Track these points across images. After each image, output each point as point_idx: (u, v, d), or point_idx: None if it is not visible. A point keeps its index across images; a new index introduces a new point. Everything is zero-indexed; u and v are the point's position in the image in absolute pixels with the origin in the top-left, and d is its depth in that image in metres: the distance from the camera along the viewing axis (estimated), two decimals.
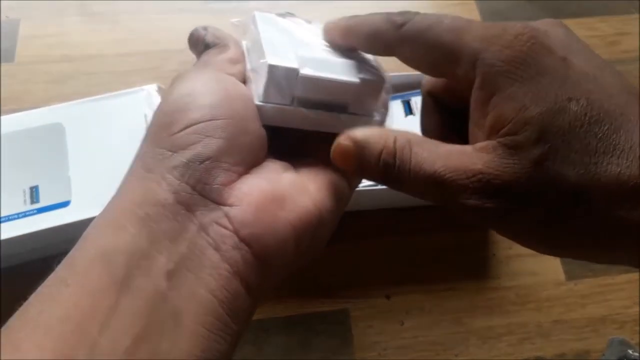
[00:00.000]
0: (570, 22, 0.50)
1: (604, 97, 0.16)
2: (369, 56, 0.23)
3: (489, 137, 0.17)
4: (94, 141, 0.34)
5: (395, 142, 0.18)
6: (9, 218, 0.32)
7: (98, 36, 0.45)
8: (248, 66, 0.22)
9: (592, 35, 0.47)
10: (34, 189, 0.33)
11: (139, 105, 0.35)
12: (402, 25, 0.19)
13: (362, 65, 0.21)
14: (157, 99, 0.35)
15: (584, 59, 0.17)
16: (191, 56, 0.50)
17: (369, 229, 0.37)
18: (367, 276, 0.36)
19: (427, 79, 0.22)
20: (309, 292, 0.35)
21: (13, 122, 0.35)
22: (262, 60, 0.20)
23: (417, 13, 0.19)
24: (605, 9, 0.48)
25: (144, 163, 0.19)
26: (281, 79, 0.19)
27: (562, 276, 0.36)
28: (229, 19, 0.51)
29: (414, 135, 0.18)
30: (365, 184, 0.37)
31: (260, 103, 0.20)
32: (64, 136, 0.34)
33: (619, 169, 0.15)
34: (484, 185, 0.16)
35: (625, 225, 0.15)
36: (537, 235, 0.17)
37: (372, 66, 0.22)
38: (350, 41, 0.22)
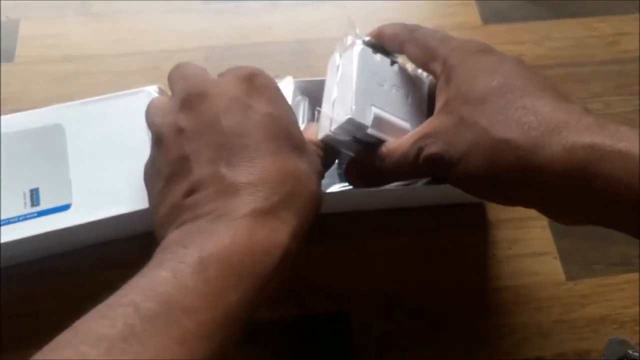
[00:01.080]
0: (569, 22, 0.51)
1: (520, 80, 0.24)
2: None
3: (436, 113, 0.26)
4: (94, 142, 0.34)
5: (384, 149, 0.27)
6: (9, 221, 0.32)
7: (98, 36, 0.45)
8: (328, 81, 0.30)
9: (591, 36, 0.47)
10: (34, 192, 0.33)
11: (140, 105, 0.35)
12: (413, 30, 0.29)
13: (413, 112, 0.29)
14: None
15: (518, 64, 0.25)
16: (190, 56, 0.50)
17: (369, 229, 0.37)
18: (366, 276, 0.36)
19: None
20: (309, 292, 0.35)
21: (13, 122, 0.35)
22: (346, 106, 0.27)
23: (420, 25, 0.29)
24: (604, 9, 0.48)
25: None
26: (353, 125, 0.27)
27: (562, 276, 0.37)
28: (228, 19, 0.51)
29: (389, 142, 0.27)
30: None
31: (330, 132, 0.27)
32: (64, 137, 0.34)
33: (519, 116, 0.22)
34: (430, 139, 0.24)
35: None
36: (462, 161, 0.24)
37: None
38: (381, 37, 0.30)
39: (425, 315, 0.35)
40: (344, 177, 0.29)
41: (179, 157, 0.22)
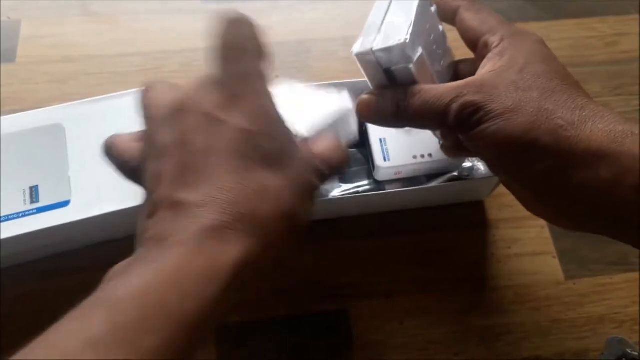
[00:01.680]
0: (569, 23, 0.51)
1: (562, 75, 0.25)
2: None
3: (484, 73, 0.25)
4: (93, 142, 0.34)
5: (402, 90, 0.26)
6: (8, 218, 0.32)
7: (99, 37, 0.45)
8: (378, 5, 0.28)
9: (591, 36, 0.47)
10: (33, 189, 0.33)
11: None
12: (474, 3, 0.28)
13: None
14: None
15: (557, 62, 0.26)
16: (190, 57, 0.50)
17: (369, 230, 0.38)
18: (367, 275, 0.36)
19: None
20: (310, 292, 0.35)
21: (13, 122, 0.35)
22: (401, 32, 0.26)
23: None
24: (604, 10, 0.48)
25: None
26: (401, 53, 0.25)
27: (560, 276, 0.37)
28: None
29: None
30: (364, 188, 0.37)
31: (371, 50, 0.26)
32: (64, 136, 0.35)
33: (564, 99, 0.23)
34: (474, 88, 0.24)
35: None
36: (501, 120, 0.23)
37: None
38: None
39: (425, 314, 0.35)
40: (357, 108, 0.28)
41: (153, 175, 0.22)
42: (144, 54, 0.44)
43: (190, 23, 0.46)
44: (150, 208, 0.21)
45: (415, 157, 0.35)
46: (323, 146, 0.26)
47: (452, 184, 0.35)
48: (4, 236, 0.31)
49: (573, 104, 0.23)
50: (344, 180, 0.38)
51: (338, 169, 0.26)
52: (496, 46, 0.26)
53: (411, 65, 0.25)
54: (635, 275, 0.37)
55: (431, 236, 0.37)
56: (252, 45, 0.24)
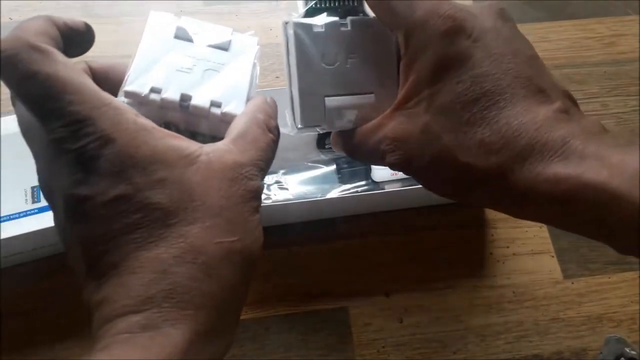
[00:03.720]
0: (566, 24, 0.51)
1: (490, 79, 0.21)
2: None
3: (398, 106, 0.23)
4: None
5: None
6: (10, 217, 0.32)
7: (100, 38, 0.45)
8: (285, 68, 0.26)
9: (588, 37, 0.47)
10: (35, 189, 0.33)
11: None
12: None
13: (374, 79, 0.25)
14: None
15: (494, 43, 0.21)
16: None
17: (369, 229, 0.38)
18: (366, 274, 0.36)
19: None
20: (309, 290, 0.36)
21: (14, 122, 0.35)
22: (296, 109, 0.25)
23: None
24: (601, 11, 0.48)
25: None
26: (310, 130, 0.25)
27: (559, 275, 0.37)
28: (230, 21, 0.51)
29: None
30: (363, 188, 0.37)
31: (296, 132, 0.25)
32: None
33: (482, 137, 0.20)
34: (392, 146, 0.23)
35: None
36: (426, 173, 0.23)
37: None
38: None
39: (424, 312, 0.35)
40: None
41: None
42: None
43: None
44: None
45: None
46: (256, 105, 0.23)
47: None
48: (4, 236, 0.31)
49: (490, 140, 0.20)
50: (343, 180, 0.39)
51: (274, 116, 0.23)
52: (403, 52, 0.23)
53: (325, 127, 0.25)
54: (633, 274, 0.37)
55: (430, 235, 0.38)
56: (48, 82, 0.19)
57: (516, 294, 0.36)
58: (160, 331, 0.17)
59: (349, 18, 0.25)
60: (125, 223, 0.18)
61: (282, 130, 0.25)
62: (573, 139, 0.20)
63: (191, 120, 0.23)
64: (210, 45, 0.25)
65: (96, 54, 0.46)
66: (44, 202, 0.33)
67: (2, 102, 0.42)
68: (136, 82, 0.23)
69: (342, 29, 0.25)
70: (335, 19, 0.25)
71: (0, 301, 0.34)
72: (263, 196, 0.38)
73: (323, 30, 0.24)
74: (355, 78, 0.24)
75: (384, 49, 0.25)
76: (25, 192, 0.33)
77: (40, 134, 0.19)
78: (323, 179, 0.39)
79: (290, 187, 0.38)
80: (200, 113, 0.23)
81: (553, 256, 0.37)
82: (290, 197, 0.37)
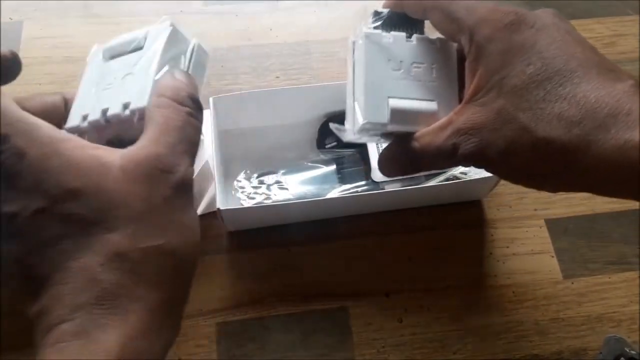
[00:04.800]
0: None
1: (560, 60, 0.21)
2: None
3: (469, 99, 0.23)
4: None
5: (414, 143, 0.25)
6: None
7: (100, 38, 0.45)
8: (349, 73, 0.27)
9: (588, 37, 0.46)
10: None
11: None
12: None
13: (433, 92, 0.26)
14: None
15: (557, 34, 0.22)
16: None
17: (369, 228, 0.38)
18: (366, 274, 0.36)
19: None
20: (309, 290, 0.36)
21: None
22: (362, 105, 0.25)
23: None
24: (601, 11, 0.48)
25: None
26: (372, 126, 0.25)
27: (559, 275, 0.37)
28: (229, 21, 0.51)
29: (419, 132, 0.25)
30: (363, 188, 0.37)
31: (354, 137, 0.26)
32: None
33: (560, 111, 0.21)
34: (467, 135, 0.23)
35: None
36: (502, 158, 0.22)
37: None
38: (401, 6, 0.27)
39: (424, 312, 0.35)
40: (378, 168, 0.27)
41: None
42: None
43: (191, 24, 0.46)
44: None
45: None
46: (161, 84, 0.22)
47: (450, 184, 0.36)
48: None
49: (570, 113, 0.21)
50: (343, 180, 0.39)
51: (186, 88, 0.22)
52: (468, 51, 0.23)
53: (389, 127, 0.25)
54: (633, 274, 0.37)
55: (430, 235, 0.38)
56: None
57: (516, 293, 0.36)
58: (91, 337, 0.17)
59: (414, 35, 0.27)
60: (49, 236, 0.18)
61: (343, 135, 0.26)
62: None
63: (122, 131, 0.22)
64: (127, 52, 0.24)
65: None
66: None
67: None
68: (72, 117, 0.23)
69: (408, 42, 0.26)
70: (402, 33, 0.27)
71: (0, 301, 0.34)
72: (263, 196, 0.38)
73: (391, 40, 0.26)
74: (419, 85, 0.26)
75: (446, 63, 0.27)
76: None
77: None
78: (323, 179, 0.39)
79: (290, 187, 0.38)
80: (120, 120, 0.22)
81: (553, 256, 0.37)
82: (290, 197, 0.38)
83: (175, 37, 0.25)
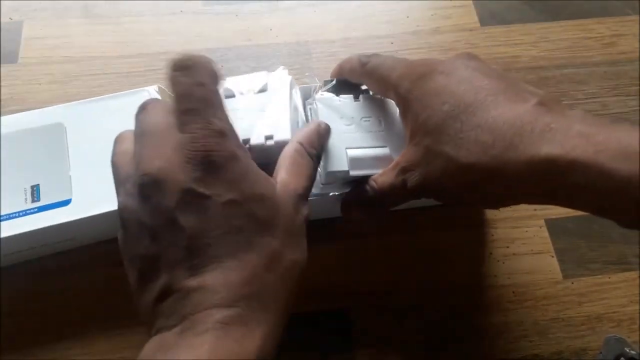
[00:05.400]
0: (566, 24, 0.51)
1: (470, 94, 0.24)
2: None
3: (407, 143, 0.27)
4: (94, 141, 0.35)
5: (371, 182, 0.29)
6: (9, 216, 0.32)
7: (100, 38, 0.45)
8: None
9: (588, 37, 0.47)
10: (34, 188, 0.33)
11: None
12: (365, 64, 0.30)
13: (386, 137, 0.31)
14: None
15: (466, 73, 0.26)
16: None
17: (369, 229, 0.38)
18: (366, 275, 0.36)
19: None
20: (309, 290, 0.36)
21: (14, 122, 0.35)
22: (325, 158, 0.29)
23: (375, 55, 0.30)
24: (601, 11, 0.48)
25: None
26: (335, 175, 0.29)
27: (559, 275, 0.37)
28: (229, 21, 0.52)
29: (375, 175, 0.29)
30: None
31: (321, 186, 0.31)
32: (64, 135, 0.35)
33: (476, 137, 0.23)
34: (409, 172, 0.26)
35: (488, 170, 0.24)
36: (439, 187, 0.26)
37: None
38: (340, 75, 0.33)
39: (423, 313, 0.35)
40: (341, 212, 0.31)
41: (146, 256, 0.21)
42: (146, 55, 0.44)
43: (191, 24, 0.47)
44: (157, 292, 0.21)
45: None
46: (302, 133, 0.27)
47: None
48: (4, 235, 0.31)
49: (484, 138, 0.23)
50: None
51: (323, 143, 0.28)
52: (398, 104, 0.28)
53: (351, 173, 0.29)
54: (633, 274, 0.37)
55: (430, 235, 0.38)
56: (210, 94, 0.23)
57: (516, 293, 0.36)
58: (248, 327, 0.20)
59: (361, 95, 0.32)
60: (232, 225, 0.21)
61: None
62: (556, 123, 0.22)
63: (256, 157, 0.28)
64: (255, 92, 0.32)
65: (96, 54, 0.47)
66: (43, 201, 0.33)
67: (3, 102, 0.42)
68: None
69: (356, 102, 0.32)
70: (350, 95, 0.32)
71: (0, 301, 0.34)
72: None
73: (340, 102, 0.31)
74: (371, 135, 0.30)
75: (391, 114, 0.31)
76: (25, 191, 0.33)
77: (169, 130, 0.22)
78: None
79: None
80: (262, 149, 0.29)
81: (553, 256, 0.37)
82: None
83: (291, 85, 0.33)
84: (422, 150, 0.26)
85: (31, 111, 0.36)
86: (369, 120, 0.31)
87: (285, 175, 0.25)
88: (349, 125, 0.30)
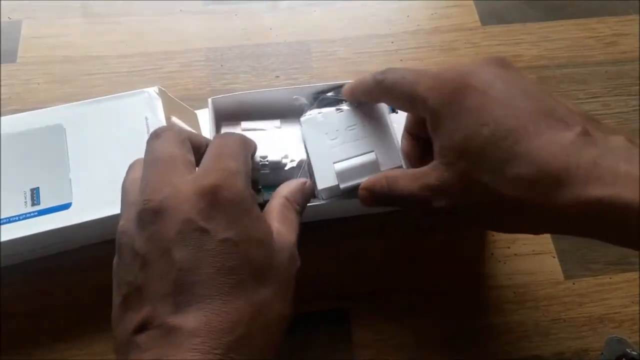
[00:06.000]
0: (567, 23, 0.51)
1: (511, 118, 0.23)
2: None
3: (436, 158, 0.25)
4: (94, 143, 0.34)
5: (386, 180, 0.27)
6: (9, 220, 0.32)
7: (100, 37, 0.45)
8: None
9: (590, 36, 0.47)
10: (34, 191, 0.33)
11: (140, 107, 0.35)
12: (381, 82, 0.28)
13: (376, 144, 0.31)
14: (157, 101, 0.35)
15: (503, 89, 0.24)
16: (191, 57, 0.51)
17: (369, 229, 0.38)
18: (366, 274, 0.36)
19: (405, 123, 0.31)
20: (309, 291, 0.35)
21: (13, 123, 0.35)
22: (316, 177, 0.31)
23: (390, 69, 0.28)
24: (603, 10, 0.48)
25: None
26: (328, 191, 0.31)
27: (560, 275, 0.37)
28: (229, 21, 0.51)
29: (395, 172, 0.28)
30: None
31: (322, 201, 0.32)
32: (64, 137, 0.35)
33: (519, 171, 0.22)
34: (437, 193, 0.25)
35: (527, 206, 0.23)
36: (471, 216, 0.25)
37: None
38: (355, 97, 0.31)
39: (424, 313, 0.35)
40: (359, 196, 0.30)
41: (133, 283, 0.21)
42: (145, 54, 0.44)
43: (191, 24, 0.46)
44: (137, 322, 0.20)
45: None
46: (288, 189, 0.27)
47: None
48: (4, 238, 0.31)
49: (527, 171, 0.22)
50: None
51: (306, 201, 0.28)
52: (427, 120, 0.25)
53: (342, 186, 0.30)
54: (634, 275, 0.37)
55: (430, 235, 0.38)
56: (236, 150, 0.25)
57: (517, 294, 0.36)
58: None
59: (343, 105, 0.32)
60: (225, 265, 0.20)
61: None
62: (602, 159, 0.21)
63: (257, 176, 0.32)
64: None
65: (95, 53, 0.46)
66: (43, 205, 0.32)
67: (2, 102, 0.42)
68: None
69: (338, 113, 0.32)
70: (332, 108, 0.32)
71: (0, 301, 0.34)
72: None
73: (323, 117, 0.32)
74: (357, 143, 0.31)
75: (376, 116, 0.32)
76: (25, 194, 0.33)
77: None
78: None
79: None
80: (276, 165, 0.32)
81: (554, 257, 0.37)
82: None
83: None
84: (456, 174, 0.24)
85: (30, 112, 0.36)
86: (353, 129, 0.31)
87: (278, 225, 0.24)
88: (334, 139, 0.31)
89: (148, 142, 0.24)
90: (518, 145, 0.22)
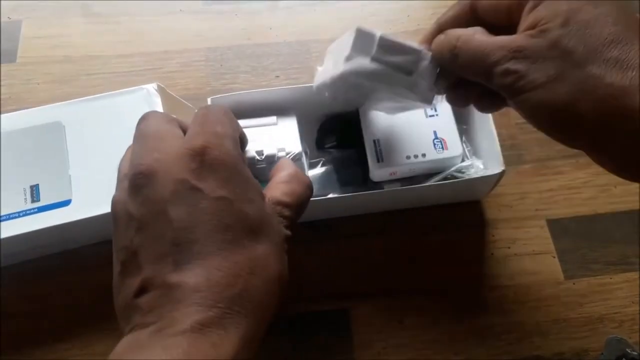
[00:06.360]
0: None
1: (621, 13, 0.22)
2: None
3: (527, 27, 0.23)
4: (93, 140, 0.35)
5: (461, 36, 0.25)
6: (9, 217, 0.32)
7: (99, 37, 0.45)
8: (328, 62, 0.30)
9: None
10: (34, 188, 0.33)
11: (139, 103, 0.35)
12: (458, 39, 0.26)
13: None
14: (156, 98, 0.35)
15: (612, 7, 0.22)
16: (191, 57, 0.50)
17: (369, 229, 0.38)
18: (366, 275, 0.36)
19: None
20: (309, 291, 0.35)
21: (13, 121, 0.35)
22: (347, 35, 0.27)
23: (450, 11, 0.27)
24: None
25: None
26: (364, 36, 0.26)
27: (560, 275, 0.37)
28: (229, 20, 0.51)
29: (469, 29, 0.25)
30: (362, 188, 0.37)
31: (344, 69, 0.27)
32: (63, 134, 0.35)
33: (618, 55, 0.21)
34: (517, 53, 0.23)
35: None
36: (544, 90, 0.22)
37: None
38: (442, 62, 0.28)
39: (424, 313, 0.35)
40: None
41: (129, 248, 0.21)
42: (145, 54, 0.44)
43: (191, 24, 0.46)
44: (138, 285, 0.20)
45: (409, 157, 0.35)
46: (279, 181, 0.25)
47: (450, 183, 0.36)
48: (4, 235, 0.31)
49: (627, 63, 0.20)
50: (342, 180, 0.38)
51: (303, 206, 0.25)
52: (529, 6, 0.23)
53: (382, 34, 0.26)
54: (634, 275, 0.37)
55: (430, 236, 0.38)
56: (228, 118, 0.24)
57: (517, 294, 0.36)
58: (226, 331, 0.19)
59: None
60: (221, 222, 0.20)
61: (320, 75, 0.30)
62: None
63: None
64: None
65: (95, 53, 0.46)
66: (43, 202, 0.33)
67: (2, 101, 0.42)
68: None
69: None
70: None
71: (0, 301, 0.34)
72: None
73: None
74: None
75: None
76: (25, 190, 0.33)
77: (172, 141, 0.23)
78: (322, 179, 0.39)
79: None
80: (272, 159, 0.34)
81: (554, 257, 0.37)
82: None
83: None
84: (545, 40, 0.22)
85: (30, 110, 0.36)
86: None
87: (275, 193, 0.24)
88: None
89: (137, 125, 0.24)
90: (626, 33, 0.21)
